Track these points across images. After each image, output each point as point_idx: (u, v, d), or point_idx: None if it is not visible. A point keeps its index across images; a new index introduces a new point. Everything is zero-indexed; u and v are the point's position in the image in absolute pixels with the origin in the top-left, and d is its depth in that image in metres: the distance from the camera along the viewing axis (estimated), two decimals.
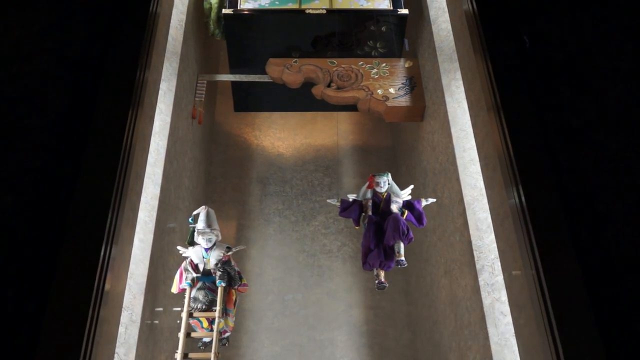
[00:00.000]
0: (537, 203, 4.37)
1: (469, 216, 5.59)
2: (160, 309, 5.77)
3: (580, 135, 4.80)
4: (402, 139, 8.98)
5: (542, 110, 4.90)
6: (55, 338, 3.63)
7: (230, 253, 5.58)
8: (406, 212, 5.66)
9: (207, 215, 5.60)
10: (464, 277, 5.74)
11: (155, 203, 5.64)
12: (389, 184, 5.73)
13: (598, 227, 4.30)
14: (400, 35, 7.88)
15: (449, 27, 6.78)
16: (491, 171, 5.20)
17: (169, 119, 6.26)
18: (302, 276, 8.38)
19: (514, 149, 4.67)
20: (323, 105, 7.80)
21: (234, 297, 5.60)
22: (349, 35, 7.81)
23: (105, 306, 4.00)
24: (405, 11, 7.73)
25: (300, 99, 8.23)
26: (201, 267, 5.53)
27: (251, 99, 8.97)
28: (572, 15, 5.50)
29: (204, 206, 5.72)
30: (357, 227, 5.84)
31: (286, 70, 7.66)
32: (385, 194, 5.69)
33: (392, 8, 7.74)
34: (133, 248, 5.07)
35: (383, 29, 7.81)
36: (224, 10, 7.74)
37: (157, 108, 5.98)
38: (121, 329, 4.74)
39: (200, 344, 5.56)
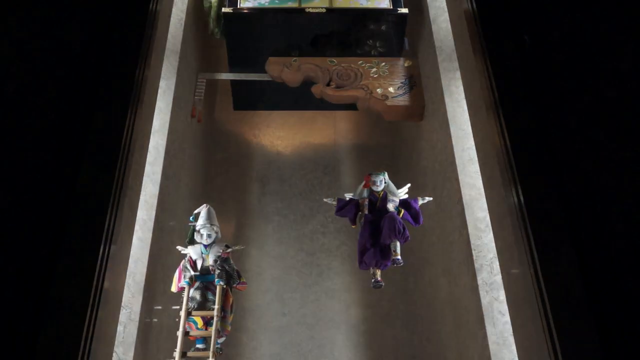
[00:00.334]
0: (536, 202, 4.38)
1: (468, 215, 5.60)
2: (159, 307, 5.78)
3: (579, 135, 4.81)
4: (401, 138, 8.98)
5: (541, 110, 4.91)
6: (55, 337, 3.63)
7: (229, 250, 5.57)
8: (402, 210, 5.66)
9: (208, 213, 5.62)
10: (462, 277, 5.75)
11: (154, 202, 5.64)
12: (385, 182, 5.74)
13: (597, 226, 4.31)
14: (400, 34, 7.88)
15: (449, 26, 6.79)
16: (490, 170, 5.20)
17: (168, 118, 6.26)
18: (301, 275, 8.38)
19: (513, 148, 4.67)
20: (322, 104, 7.80)
21: (230, 300, 5.59)
22: (348, 34, 7.81)
23: (104, 305, 4.00)
24: (405, 10, 7.72)
25: (300, 98, 8.23)
26: (199, 264, 5.52)
27: (250, 98, 8.97)
28: (573, 15, 5.51)
29: (205, 204, 5.71)
30: (353, 226, 5.85)
31: (286, 69, 7.66)
32: (382, 192, 5.70)
33: (392, 7, 7.74)
34: (132, 247, 5.08)
35: (383, 28, 7.81)
36: (223, 9, 7.74)
37: (156, 107, 5.98)
38: (120, 328, 4.74)
39: (193, 348, 5.49)
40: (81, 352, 3.64)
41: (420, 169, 7.50)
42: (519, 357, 4.60)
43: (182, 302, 5.43)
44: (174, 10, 6.95)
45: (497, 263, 5.11)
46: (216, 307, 5.36)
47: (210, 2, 8.02)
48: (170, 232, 6.27)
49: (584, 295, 3.94)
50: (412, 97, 7.39)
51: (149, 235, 5.47)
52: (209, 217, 5.60)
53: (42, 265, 3.91)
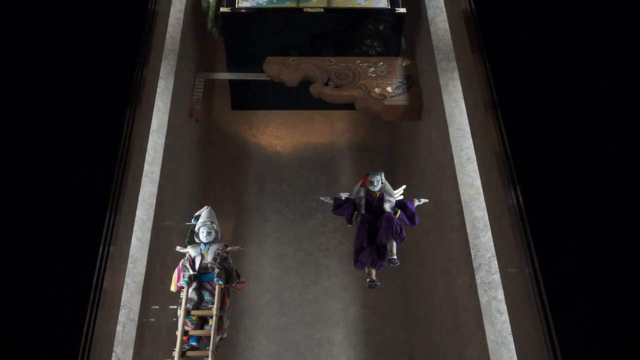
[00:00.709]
0: (535, 201, 4.39)
1: (466, 215, 5.61)
2: (157, 307, 5.78)
3: (578, 134, 4.82)
4: (399, 137, 8.99)
5: (539, 109, 4.92)
6: (55, 337, 3.64)
7: (228, 249, 5.57)
8: (399, 211, 5.67)
9: (209, 212, 5.62)
10: (460, 276, 5.76)
11: (153, 201, 5.64)
12: (382, 183, 5.74)
13: (596, 225, 4.32)
14: (398, 34, 7.89)
15: (447, 26, 6.80)
16: (488, 170, 5.21)
17: (166, 117, 6.26)
18: (299, 274, 8.39)
19: (511, 147, 4.69)
20: (321, 104, 7.80)
21: (227, 301, 5.58)
22: (346, 34, 7.81)
23: (104, 305, 4.00)
24: (403, 10, 7.72)
25: (298, 98, 8.22)
26: (198, 261, 5.49)
27: (249, 98, 8.96)
28: (571, 14, 5.52)
29: (206, 206, 5.72)
30: (349, 225, 5.85)
31: (284, 69, 7.66)
32: (379, 193, 5.70)
33: (389, 7, 7.74)
34: (131, 247, 5.08)
35: (380, 27, 7.81)
36: (221, 9, 7.74)
37: (155, 106, 5.98)
38: (119, 328, 4.74)
39: (187, 346, 5.45)
40: (81, 352, 3.64)
41: (419, 169, 7.50)
42: (517, 356, 4.61)
43: (180, 302, 5.42)
44: (172, 10, 6.95)
45: (496, 262, 5.12)
46: (215, 306, 5.35)
47: (208, 2, 8.01)
48: (169, 232, 6.27)
49: (583, 294, 3.95)
50: (410, 97, 7.40)
51: (148, 235, 5.47)
52: (209, 216, 5.60)
53: (42, 265, 3.91)
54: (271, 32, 7.82)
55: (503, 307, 4.95)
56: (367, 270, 5.62)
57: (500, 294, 4.99)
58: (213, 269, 5.45)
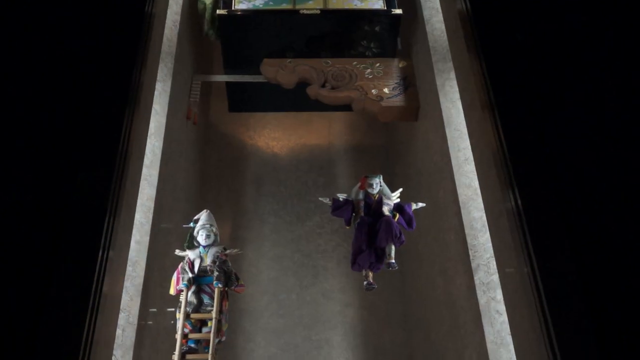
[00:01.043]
0: (533, 201, 4.40)
1: (464, 215, 5.61)
2: (157, 310, 5.77)
3: (575, 134, 4.83)
4: (396, 139, 9.00)
5: (536, 109, 4.93)
6: (54, 341, 3.64)
7: (227, 252, 5.57)
8: (397, 215, 5.67)
9: (208, 216, 5.62)
10: (459, 276, 5.76)
11: (152, 205, 5.64)
12: (380, 186, 5.75)
13: (594, 225, 4.33)
14: (394, 35, 7.90)
15: (443, 26, 6.81)
16: (486, 170, 5.22)
17: (164, 120, 6.25)
18: (298, 276, 8.39)
19: (508, 148, 4.70)
20: (317, 106, 7.80)
21: (226, 303, 5.57)
22: (342, 35, 7.82)
23: (103, 309, 4.00)
24: (399, 11, 7.74)
25: (295, 100, 8.23)
26: (197, 264, 5.49)
27: (246, 100, 8.96)
28: (568, 14, 5.53)
29: (205, 209, 5.72)
30: (347, 227, 5.85)
31: (281, 71, 7.66)
32: (377, 195, 5.70)
33: (385, 8, 7.76)
34: (130, 250, 5.07)
35: (377, 29, 7.83)
36: (218, 11, 7.74)
37: (152, 109, 5.97)
38: (118, 331, 4.74)
39: (185, 347, 5.46)
40: (81, 355, 3.64)
41: (416, 170, 7.51)
42: (516, 356, 4.61)
43: (179, 305, 5.41)
44: (169, 12, 6.95)
45: (494, 263, 5.12)
46: (215, 309, 5.35)
47: (205, 4, 8.01)
48: (168, 235, 6.27)
49: (581, 293, 3.96)
50: (407, 98, 7.41)
51: (147, 238, 5.47)
52: (208, 219, 5.60)
53: (42, 270, 3.91)
54: (268, 34, 7.83)
55: (502, 307, 4.95)
56: (364, 272, 5.63)
57: (499, 295, 5.00)
58: (212, 272, 5.45)
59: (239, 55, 8.01)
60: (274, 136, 9.74)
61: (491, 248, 5.18)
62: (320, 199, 5.93)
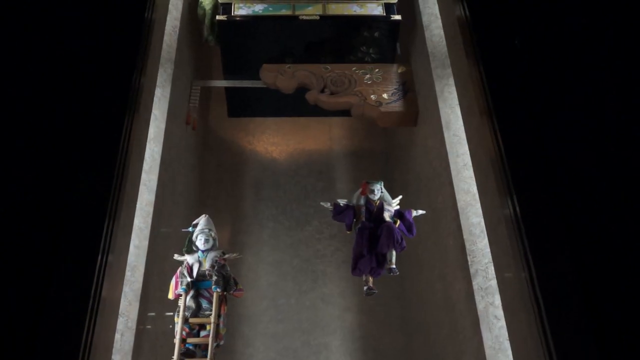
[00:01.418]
0: (531, 207, 4.41)
1: (463, 221, 5.62)
2: (156, 314, 5.77)
3: (573, 139, 4.84)
4: (395, 144, 9.02)
5: (535, 115, 4.95)
6: (53, 346, 3.64)
7: (226, 257, 5.58)
8: (398, 221, 5.70)
9: (207, 221, 5.64)
10: (457, 282, 5.77)
11: (151, 209, 5.65)
12: (382, 192, 5.77)
13: (593, 230, 4.34)
14: (393, 41, 7.93)
15: (442, 33, 6.83)
16: (484, 176, 5.23)
17: (163, 125, 6.27)
18: (297, 281, 8.39)
19: (506, 153, 4.71)
20: (317, 111, 7.81)
21: (225, 308, 5.58)
22: (342, 41, 7.85)
23: (102, 313, 4.01)
24: (398, 17, 7.76)
25: (294, 105, 8.25)
26: (196, 268, 5.50)
27: (245, 105, 8.97)
28: (565, 20, 5.55)
29: (204, 214, 5.73)
30: (348, 232, 5.87)
31: (280, 76, 7.68)
32: (378, 201, 5.73)
33: (385, 14, 7.78)
34: (129, 254, 5.08)
35: (376, 35, 7.85)
36: (217, 17, 7.76)
37: (152, 114, 5.99)
38: (117, 336, 4.74)
39: (182, 349, 5.46)
40: None
41: (415, 175, 7.52)
42: None
43: (178, 309, 5.42)
44: (168, 18, 6.97)
45: (492, 268, 5.13)
46: (213, 313, 5.35)
47: (204, 10, 8.03)
48: (167, 239, 6.28)
49: (580, 299, 3.96)
50: (406, 103, 7.43)
51: (146, 243, 5.47)
52: (207, 224, 5.62)
53: (41, 275, 3.91)
54: (267, 39, 7.85)
55: (500, 312, 4.96)
56: (364, 277, 5.64)
57: (497, 300, 5.01)
58: (211, 277, 5.46)
59: (239, 61, 8.03)
60: (273, 141, 9.75)
61: (489, 253, 5.19)
62: (321, 204, 5.95)
